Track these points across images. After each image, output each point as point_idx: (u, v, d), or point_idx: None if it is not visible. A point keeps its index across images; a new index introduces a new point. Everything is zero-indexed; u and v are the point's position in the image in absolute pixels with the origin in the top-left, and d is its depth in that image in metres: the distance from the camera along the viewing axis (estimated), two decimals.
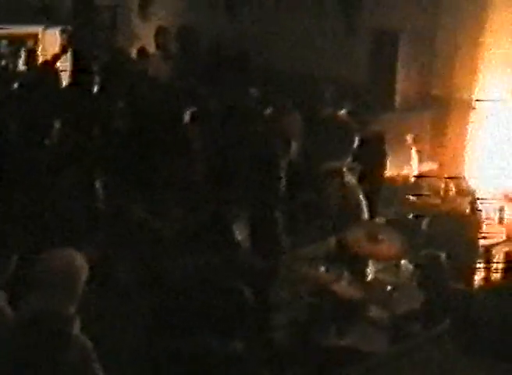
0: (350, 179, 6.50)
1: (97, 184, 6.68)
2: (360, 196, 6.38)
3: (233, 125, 7.51)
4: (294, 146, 7.18)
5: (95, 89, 7.72)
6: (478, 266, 6.40)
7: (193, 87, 8.25)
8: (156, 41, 9.94)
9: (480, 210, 6.92)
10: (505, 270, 6.43)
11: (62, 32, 10.04)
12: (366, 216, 6.32)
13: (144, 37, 10.62)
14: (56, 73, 8.75)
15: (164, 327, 5.02)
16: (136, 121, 7.36)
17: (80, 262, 4.01)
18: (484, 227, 6.88)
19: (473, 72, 8.36)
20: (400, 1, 8.90)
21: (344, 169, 6.47)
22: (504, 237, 6.95)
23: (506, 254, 6.62)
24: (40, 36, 10.75)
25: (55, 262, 3.98)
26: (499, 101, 7.98)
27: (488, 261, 6.61)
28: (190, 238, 5.80)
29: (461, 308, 5.42)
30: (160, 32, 10.02)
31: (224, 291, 5.13)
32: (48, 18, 10.57)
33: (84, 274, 4.01)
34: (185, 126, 7.15)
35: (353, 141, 7.04)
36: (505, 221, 7.14)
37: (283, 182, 6.74)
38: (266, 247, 6.11)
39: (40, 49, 10.42)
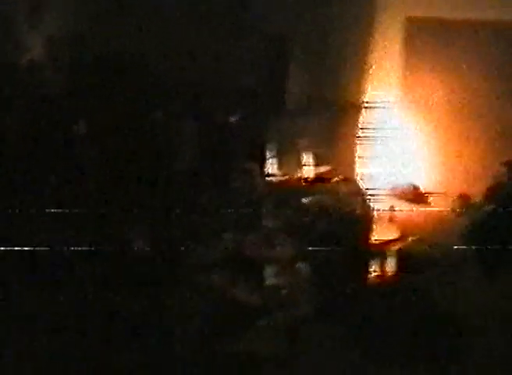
0: (248, 182, 6.57)
1: None
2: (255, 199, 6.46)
3: (126, 133, 7.47)
4: (189, 152, 7.19)
5: None
6: (371, 264, 6.55)
7: (85, 98, 8.15)
8: (46, 50, 9.74)
9: (371, 209, 7.10)
10: (398, 267, 6.62)
11: None
12: (262, 219, 6.41)
13: (34, 47, 10.40)
14: None
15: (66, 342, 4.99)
16: (27, 135, 7.23)
17: None
18: (376, 226, 7.05)
19: (363, 76, 8.56)
20: (290, 5, 9.01)
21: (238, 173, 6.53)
22: (396, 235, 7.13)
23: (398, 251, 6.81)
24: None
25: None
26: (387, 105, 8.22)
27: (382, 259, 6.78)
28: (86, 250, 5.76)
29: (357, 307, 5.56)
30: (50, 42, 9.83)
31: (122, 301, 5.11)
32: None
33: None
34: (77, 138, 7.07)
35: (247, 146, 7.12)
36: (396, 219, 7.33)
37: (181, 187, 6.75)
38: (165, 255, 6.10)
39: None
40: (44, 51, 9.66)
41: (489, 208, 7.30)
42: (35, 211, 6.16)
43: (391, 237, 6.96)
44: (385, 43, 8.53)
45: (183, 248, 6.20)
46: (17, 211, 6.12)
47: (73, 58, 9.76)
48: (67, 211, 6.21)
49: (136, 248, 5.64)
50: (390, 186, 7.69)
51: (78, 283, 5.35)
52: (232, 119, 7.58)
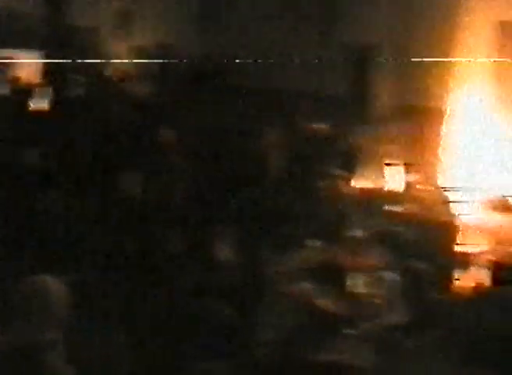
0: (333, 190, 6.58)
1: (72, 209, 6.68)
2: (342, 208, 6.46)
3: (213, 141, 7.56)
4: (276, 159, 7.23)
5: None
6: (457, 274, 6.43)
7: (172, 106, 8.30)
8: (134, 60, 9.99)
9: (458, 218, 6.98)
10: (494, 280, 6.39)
11: (40, 56, 10.07)
12: (347, 228, 6.40)
13: (121, 57, 10.67)
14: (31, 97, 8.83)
15: (148, 349, 5.05)
16: (111, 140, 7.40)
17: (57, 287, 3.98)
18: (465, 236, 6.90)
19: (446, 82, 8.46)
20: (375, 16, 9.01)
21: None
22: (490, 246, 6.90)
23: (495, 263, 6.59)
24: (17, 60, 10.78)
25: (30, 288, 3.95)
26: (472, 110, 8.11)
27: (469, 269, 6.63)
28: (173, 258, 5.85)
29: (444, 318, 5.48)
30: (137, 51, 10.07)
31: (207, 310, 5.17)
32: (26, 42, 10.59)
33: (63, 299, 3.98)
34: (163, 144, 7.20)
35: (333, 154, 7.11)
36: (484, 229, 7.16)
37: (267, 196, 6.79)
38: (251, 265, 6.13)
39: (18, 73, 10.44)
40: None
41: None
42: None
43: (483, 248, 6.80)
44: (468, 52, 8.42)
45: (268, 257, 6.23)
46: None
47: (162, 68, 9.96)
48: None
49: (222, 259, 5.70)
50: (478, 195, 7.55)
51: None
52: (319, 127, 7.59)
